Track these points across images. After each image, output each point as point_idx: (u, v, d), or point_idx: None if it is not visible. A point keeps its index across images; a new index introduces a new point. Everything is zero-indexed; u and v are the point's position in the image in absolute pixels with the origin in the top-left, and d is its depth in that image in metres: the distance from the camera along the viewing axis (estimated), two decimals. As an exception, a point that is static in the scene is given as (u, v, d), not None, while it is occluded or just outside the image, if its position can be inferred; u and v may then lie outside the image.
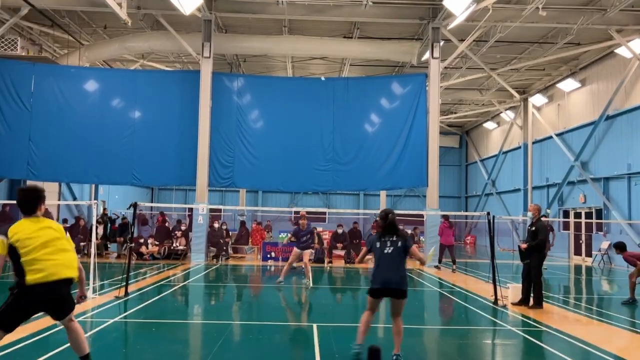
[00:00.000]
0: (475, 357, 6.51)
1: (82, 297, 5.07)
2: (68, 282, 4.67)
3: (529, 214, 10.09)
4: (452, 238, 16.57)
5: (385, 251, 5.71)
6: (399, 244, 5.76)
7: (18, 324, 4.49)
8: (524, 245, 9.77)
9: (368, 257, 6.20)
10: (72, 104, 18.09)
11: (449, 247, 16.35)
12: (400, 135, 18.39)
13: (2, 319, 4.36)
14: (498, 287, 10.06)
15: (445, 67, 20.23)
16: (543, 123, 25.38)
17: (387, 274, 5.66)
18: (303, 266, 12.51)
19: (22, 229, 4.52)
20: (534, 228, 9.73)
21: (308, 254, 12.24)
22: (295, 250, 12.29)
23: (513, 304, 9.86)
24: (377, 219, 6.13)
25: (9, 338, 6.39)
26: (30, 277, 4.32)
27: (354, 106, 18.66)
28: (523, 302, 9.77)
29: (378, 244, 5.77)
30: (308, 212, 29.71)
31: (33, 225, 4.65)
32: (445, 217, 16.61)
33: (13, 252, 4.32)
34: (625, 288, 11.83)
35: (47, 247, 4.48)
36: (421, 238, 20.62)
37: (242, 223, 20.51)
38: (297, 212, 29.50)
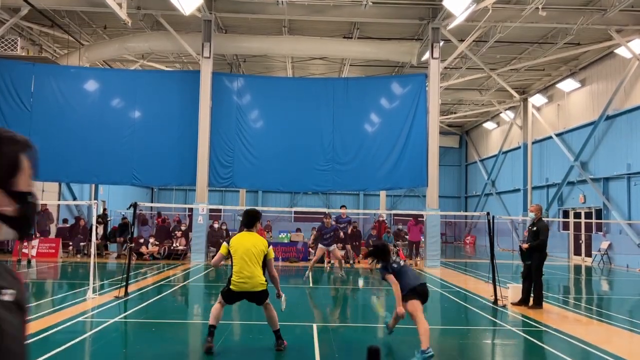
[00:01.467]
0: (476, 357, 6.51)
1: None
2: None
3: (531, 214, 10.08)
4: (420, 235, 18.24)
5: (402, 266, 6.34)
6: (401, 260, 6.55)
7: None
8: (525, 246, 9.76)
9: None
10: (72, 104, 18.09)
11: (416, 243, 18.24)
12: (400, 135, 18.39)
13: None
14: (498, 287, 10.06)
15: (445, 67, 20.23)
16: (543, 123, 25.38)
17: (414, 275, 6.35)
18: (333, 262, 13.56)
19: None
20: (535, 228, 9.72)
21: (337, 250, 13.32)
22: (320, 246, 13.35)
23: (513, 303, 9.86)
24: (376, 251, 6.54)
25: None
26: None
27: (353, 106, 18.66)
28: (523, 302, 9.77)
29: (396, 266, 6.25)
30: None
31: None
32: (413, 217, 18.59)
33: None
34: (625, 288, 11.84)
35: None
36: (421, 238, 20.60)
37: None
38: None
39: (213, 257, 17.71)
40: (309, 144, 18.45)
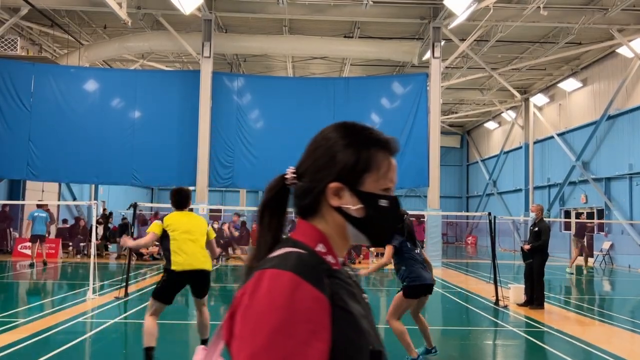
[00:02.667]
0: (477, 358, 6.47)
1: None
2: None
3: (532, 214, 10.03)
4: (423, 234, 18.56)
5: (417, 251, 5.76)
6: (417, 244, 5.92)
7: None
8: (527, 247, 9.72)
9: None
10: (72, 104, 18.06)
11: (420, 242, 18.27)
12: (401, 135, 18.32)
13: None
14: (499, 288, 10.02)
15: (446, 67, 20.17)
16: (544, 123, 25.33)
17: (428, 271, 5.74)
18: None
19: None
20: (536, 228, 9.68)
21: None
22: None
23: (518, 304, 9.77)
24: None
25: (9, 338, 6.36)
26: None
27: (354, 106, 18.60)
28: (528, 302, 9.68)
29: (409, 244, 5.72)
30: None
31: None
32: (415, 217, 18.95)
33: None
34: (627, 288, 11.79)
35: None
36: (424, 237, 20.58)
37: (243, 223, 20.48)
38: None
39: (216, 259, 17.86)
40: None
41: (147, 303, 9.17)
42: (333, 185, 1.08)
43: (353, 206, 1.07)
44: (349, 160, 1.08)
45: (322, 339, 0.90)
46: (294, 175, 1.12)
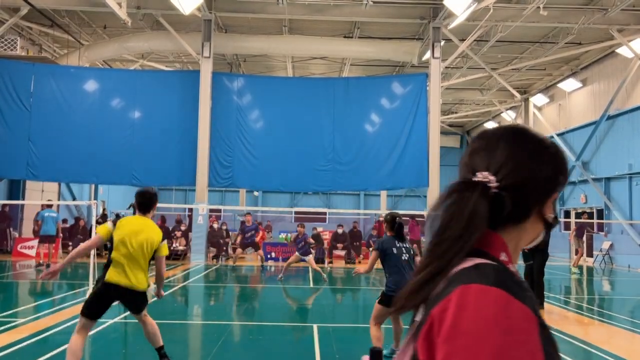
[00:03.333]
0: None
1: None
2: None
3: None
4: (419, 234, 19.37)
5: (403, 258, 5.47)
6: (411, 251, 5.60)
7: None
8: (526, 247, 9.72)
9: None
10: (72, 104, 18.06)
11: (417, 242, 18.84)
12: (400, 135, 18.36)
13: None
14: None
15: (446, 67, 20.18)
16: (544, 123, 25.34)
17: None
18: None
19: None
20: None
21: (312, 260, 13.32)
22: (296, 253, 13.44)
23: None
24: (383, 221, 6.06)
25: (9, 338, 6.37)
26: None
27: (354, 106, 18.62)
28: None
29: (395, 250, 5.45)
30: (308, 212, 29.76)
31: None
32: (412, 217, 19.80)
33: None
34: (626, 288, 11.79)
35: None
36: (422, 238, 20.60)
37: (242, 223, 20.47)
38: (297, 212, 29.64)
39: (213, 257, 17.82)
40: (309, 144, 18.42)
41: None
42: (555, 195, 1.08)
43: (551, 215, 1.09)
44: (563, 170, 1.10)
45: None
46: (497, 184, 1.02)
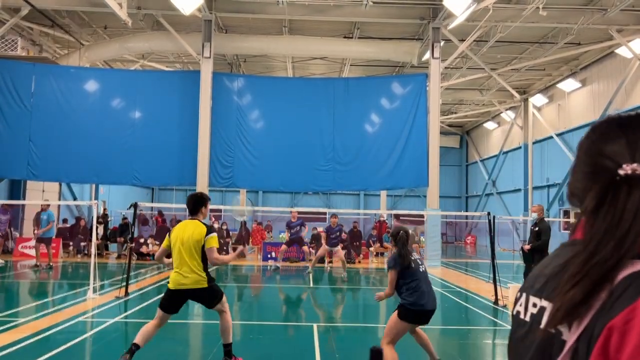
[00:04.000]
0: (476, 358, 6.50)
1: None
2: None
3: (533, 214, 10.05)
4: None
5: (421, 269, 5.15)
6: (423, 261, 5.37)
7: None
8: (527, 247, 9.73)
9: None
10: (73, 104, 18.09)
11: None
12: (400, 136, 18.38)
13: None
14: (499, 287, 10.05)
15: (445, 67, 20.21)
16: (543, 123, 25.37)
17: (431, 293, 5.10)
18: (334, 263, 13.70)
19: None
20: (537, 228, 9.70)
21: (340, 251, 13.85)
22: (325, 247, 13.92)
23: None
24: (390, 237, 5.73)
25: (10, 337, 6.39)
26: None
27: (354, 106, 18.65)
28: None
29: (413, 264, 5.07)
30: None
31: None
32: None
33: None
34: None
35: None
36: (422, 238, 20.62)
37: (243, 223, 20.50)
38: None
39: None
40: (309, 144, 18.44)
41: (147, 302, 9.21)
42: None
43: None
44: None
45: None
46: None
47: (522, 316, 1.06)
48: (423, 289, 5.00)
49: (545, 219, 10.05)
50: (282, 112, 18.65)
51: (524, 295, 1.08)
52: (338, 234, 13.90)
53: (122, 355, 4.94)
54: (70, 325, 7.29)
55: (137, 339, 5.03)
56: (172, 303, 5.23)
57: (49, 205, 15.11)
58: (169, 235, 5.31)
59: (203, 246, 5.15)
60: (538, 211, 9.89)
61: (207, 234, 5.17)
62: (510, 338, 1.10)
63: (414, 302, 4.96)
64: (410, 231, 5.34)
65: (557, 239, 21.66)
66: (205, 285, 5.18)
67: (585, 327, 0.85)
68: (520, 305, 1.08)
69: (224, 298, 5.41)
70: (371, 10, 17.02)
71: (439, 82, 18.16)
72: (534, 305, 1.02)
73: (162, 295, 5.34)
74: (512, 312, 1.12)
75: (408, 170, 18.26)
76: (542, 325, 0.95)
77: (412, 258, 5.12)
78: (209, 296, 5.28)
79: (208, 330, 7.55)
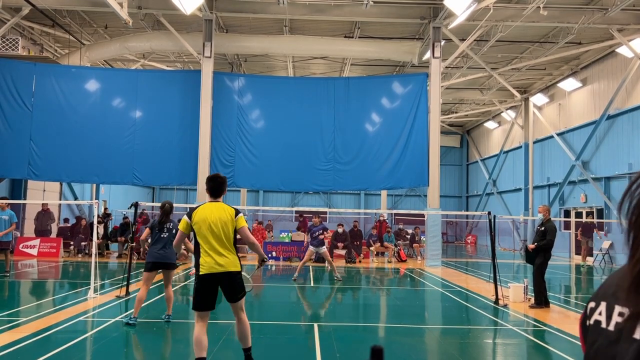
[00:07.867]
0: (477, 357, 6.50)
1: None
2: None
3: (539, 215, 10.06)
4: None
5: None
6: None
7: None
8: (531, 246, 9.74)
9: None
10: (73, 103, 18.11)
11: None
12: (401, 135, 18.39)
13: None
14: (499, 287, 10.05)
15: (446, 67, 20.21)
16: (544, 122, 25.35)
17: None
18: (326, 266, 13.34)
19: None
20: (543, 228, 9.72)
21: (326, 252, 13.32)
22: (310, 248, 13.23)
23: (531, 307, 9.66)
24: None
25: (11, 337, 6.40)
26: None
27: (354, 106, 18.66)
28: (544, 304, 9.62)
29: None
30: (308, 212, 29.81)
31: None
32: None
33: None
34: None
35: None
36: (422, 238, 20.63)
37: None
38: (297, 212, 29.63)
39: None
40: (310, 143, 18.46)
41: (147, 302, 9.21)
42: None
43: None
44: None
45: None
46: None
47: (603, 325, 1.02)
48: None
49: (552, 219, 10.07)
50: (283, 112, 18.67)
51: (604, 304, 1.05)
52: (321, 231, 13.35)
53: None
54: (71, 325, 7.30)
55: (198, 353, 4.90)
56: (207, 295, 4.93)
57: (8, 204, 12.75)
58: (189, 218, 5.01)
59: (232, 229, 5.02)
60: (544, 212, 9.89)
61: (235, 215, 5.06)
62: (590, 348, 1.06)
63: None
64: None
65: (558, 238, 21.66)
66: (239, 269, 5.03)
67: None
68: (600, 314, 1.05)
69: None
70: (372, 9, 17.02)
71: (440, 81, 18.16)
72: (620, 314, 1.00)
73: (192, 295, 5.06)
74: (588, 322, 1.08)
75: (408, 170, 18.27)
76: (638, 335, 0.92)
77: None
78: (241, 282, 5.07)
79: (209, 329, 7.54)
